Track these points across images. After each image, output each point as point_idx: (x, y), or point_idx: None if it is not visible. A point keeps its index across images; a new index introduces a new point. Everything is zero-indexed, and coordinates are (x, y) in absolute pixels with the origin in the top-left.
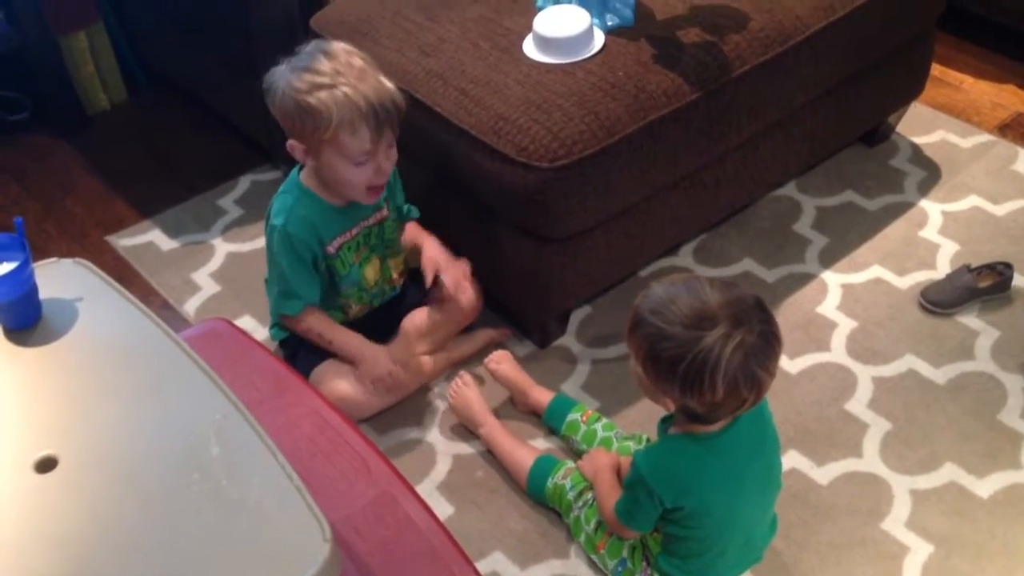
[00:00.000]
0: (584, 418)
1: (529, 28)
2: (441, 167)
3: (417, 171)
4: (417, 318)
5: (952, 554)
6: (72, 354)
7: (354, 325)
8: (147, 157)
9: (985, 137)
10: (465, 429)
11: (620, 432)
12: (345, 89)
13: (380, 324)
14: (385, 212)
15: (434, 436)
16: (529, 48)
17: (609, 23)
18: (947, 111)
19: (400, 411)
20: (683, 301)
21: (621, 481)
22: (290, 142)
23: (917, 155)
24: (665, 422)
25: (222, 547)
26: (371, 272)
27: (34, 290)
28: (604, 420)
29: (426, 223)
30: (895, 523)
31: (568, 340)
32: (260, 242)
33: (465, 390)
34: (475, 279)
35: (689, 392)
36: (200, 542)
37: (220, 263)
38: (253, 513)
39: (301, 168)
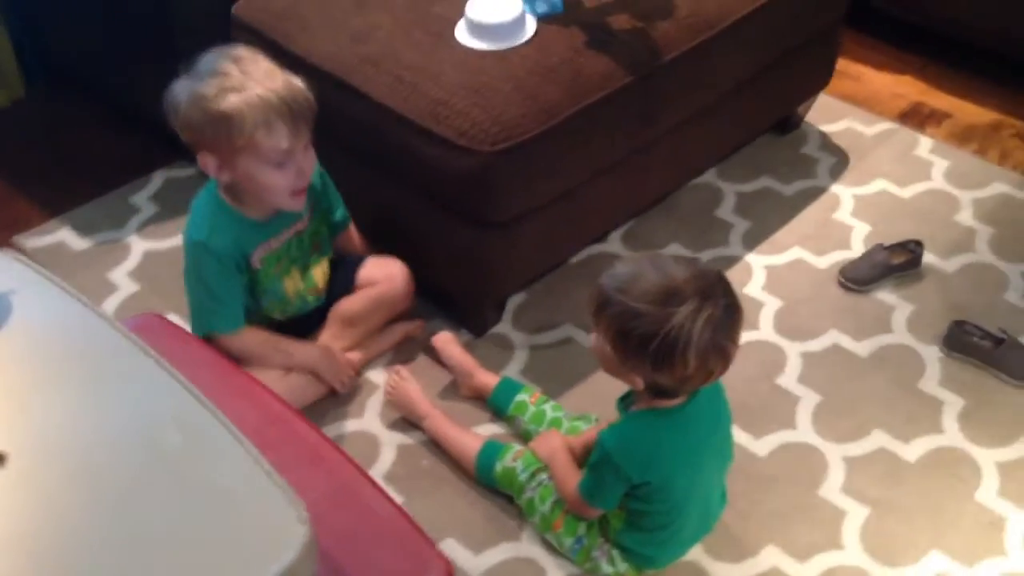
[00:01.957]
0: (532, 399)
1: (460, 14)
2: (374, 156)
3: (347, 162)
4: (346, 306)
5: (886, 515)
6: (10, 347)
7: (279, 331)
8: (51, 154)
9: (887, 125)
10: (405, 420)
11: (569, 413)
12: (256, 90)
13: (304, 332)
14: (306, 222)
15: (375, 427)
16: (462, 34)
17: (539, 10)
18: (850, 101)
19: (335, 402)
20: (649, 278)
21: (578, 462)
22: (201, 158)
23: (826, 143)
24: (624, 400)
25: (193, 537)
26: (290, 284)
27: None
28: (552, 402)
29: (359, 214)
30: (832, 489)
31: (504, 327)
32: (178, 240)
33: (403, 384)
34: (407, 267)
35: (660, 368)
36: (169, 534)
37: (137, 261)
38: (223, 500)
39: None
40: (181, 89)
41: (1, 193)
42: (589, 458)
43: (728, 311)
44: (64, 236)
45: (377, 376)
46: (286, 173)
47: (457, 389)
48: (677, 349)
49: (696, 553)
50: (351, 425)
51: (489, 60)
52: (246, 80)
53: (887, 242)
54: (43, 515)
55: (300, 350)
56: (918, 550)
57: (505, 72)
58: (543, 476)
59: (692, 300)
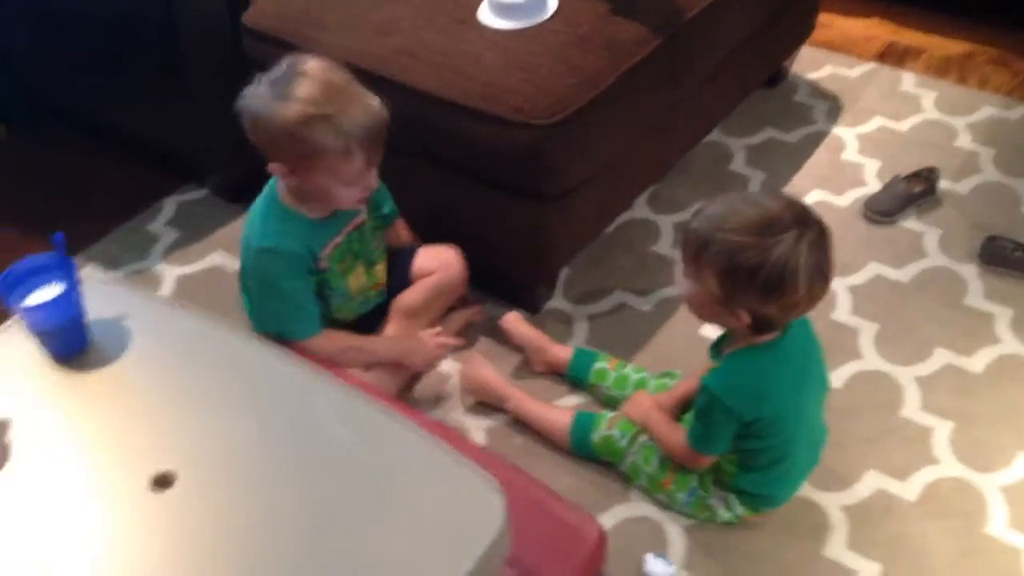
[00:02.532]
0: (611, 365)
1: None
2: (419, 145)
3: (389, 156)
4: (406, 298)
5: (969, 426)
6: (144, 369)
7: (338, 325)
8: (49, 194)
9: (868, 66)
10: (485, 404)
11: (651, 372)
12: (339, 119)
13: (368, 329)
14: (364, 216)
15: (457, 416)
16: (487, 16)
17: None
18: (828, 48)
19: (410, 396)
20: (746, 212)
21: (671, 417)
22: (272, 164)
23: (815, 89)
24: (717, 347)
25: (388, 533)
26: (354, 281)
27: (83, 313)
28: (631, 364)
29: (405, 207)
30: (912, 409)
31: (558, 302)
32: (210, 261)
33: (478, 369)
34: (460, 251)
35: (770, 297)
36: (359, 533)
37: (172, 287)
38: (415, 483)
39: (272, 186)
40: (261, 102)
41: (11, 241)
42: (695, 407)
43: (823, 235)
44: (89, 273)
45: (446, 365)
46: (354, 189)
47: (530, 366)
48: (787, 275)
49: (803, 488)
50: (434, 415)
51: (521, 38)
52: (326, 106)
53: (902, 173)
54: (218, 534)
55: (382, 344)
56: (1007, 453)
57: (542, 47)
58: (643, 438)
59: (792, 227)
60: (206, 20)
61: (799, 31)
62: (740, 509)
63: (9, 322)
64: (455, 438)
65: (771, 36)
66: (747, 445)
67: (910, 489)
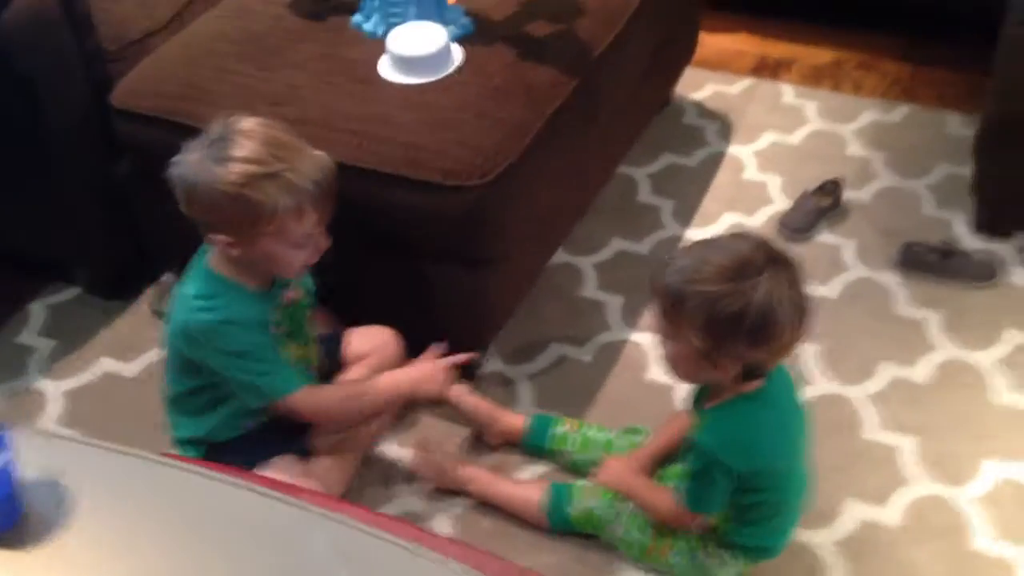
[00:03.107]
0: (571, 427)
1: (377, 54)
2: (338, 223)
3: None
4: (348, 375)
5: (930, 439)
6: (91, 532)
7: (271, 424)
8: None
9: (746, 81)
10: (444, 490)
11: (613, 430)
12: (288, 175)
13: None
14: (298, 291)
15: (415, 505)
16: (389, 73)
17: (452, 34)
18: (704, 67)
19: (360, 491)
20: (716, 259)
21: (648, 475)
22: (213, 236)
23: (702, 110)
24: (697, 403)
25: None
26: (293, 358)
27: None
28: (592, 425)
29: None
30: (873, 429)
31: (494, 364)
32: (99, 368)
33: (432, 455)
34: (393, 329)
35: (758, 342)
36: None
37: (61, 407)
38: None
39: (203, 257)
40: (196, 168)
41: None
42: (689, 469)
43: (796, 270)
44: None
45: (391, 450)
46: (303, 251)
47: (484, 439)
48: (771, 317)
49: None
50: (391, 509)
51: (433, 93)
52: (274, 164)
53: (805, 188)
54: None
55: (384, 383)
56: (971, 464)
57: (458, 101)
58: (625, 506)
59: (767, 267)
60: (67, 102)
61: (685, 53)
62: (738, 564)
63: None
64: (434, 541)
65: (664, 61)
66: (744, 500)
67: (892, 514)
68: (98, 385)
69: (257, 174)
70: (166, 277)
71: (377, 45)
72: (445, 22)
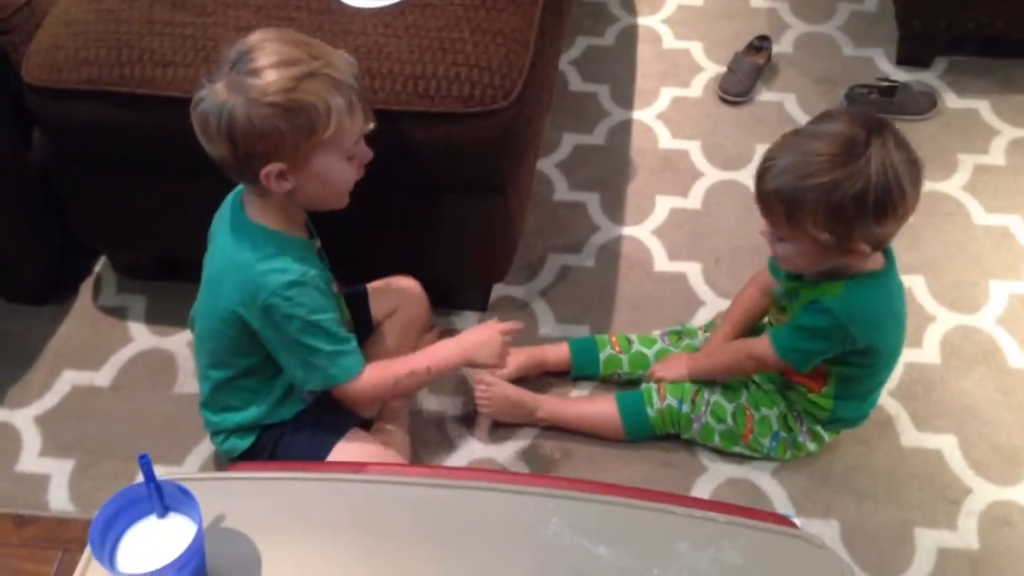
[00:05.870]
0: (616, 348)
1: None
2: None
3: None
4: (379, 349)
5: (939, 270)
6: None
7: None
8: None
9: None
10: (505, 426)
11: (659, 335)
12: (328, 71)
13: None
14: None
15: (480, 449)
16: None
17: None
18: None
19: (425, 445)
20: (820, 148)
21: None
22: (266, 168)
23: None
24: (788, 292)
25: None
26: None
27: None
28: (633, 336)
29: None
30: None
31: (501, 289)
32: (63, 384)
33: (494, 389)
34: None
35: (884, 216)
36: None
37: (37, 437)
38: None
39: (241, 215)
40: (232, 92)
41: None
42: (806, 326)
43: (896, 130)
44: None
45: (436, 402)
46: (354, 164)
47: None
48: (892, 186)
49: None
50: (458, 458)
51: (412, 14)
52: (310, 62)
53: (725, 50)
54: None
55: (437, 357)
56: (983, 286)
57: (445, 19)
58: (705, 395)
59: (871, 137)
60: None
61: None
62: (825, 436)
63: None
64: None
65: None
66: (847, 373)
67: (930, 353)
68: (70, 404)
69: (300, 75)
70: None
71: None
72: None
